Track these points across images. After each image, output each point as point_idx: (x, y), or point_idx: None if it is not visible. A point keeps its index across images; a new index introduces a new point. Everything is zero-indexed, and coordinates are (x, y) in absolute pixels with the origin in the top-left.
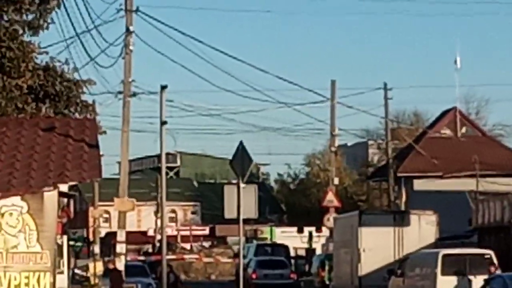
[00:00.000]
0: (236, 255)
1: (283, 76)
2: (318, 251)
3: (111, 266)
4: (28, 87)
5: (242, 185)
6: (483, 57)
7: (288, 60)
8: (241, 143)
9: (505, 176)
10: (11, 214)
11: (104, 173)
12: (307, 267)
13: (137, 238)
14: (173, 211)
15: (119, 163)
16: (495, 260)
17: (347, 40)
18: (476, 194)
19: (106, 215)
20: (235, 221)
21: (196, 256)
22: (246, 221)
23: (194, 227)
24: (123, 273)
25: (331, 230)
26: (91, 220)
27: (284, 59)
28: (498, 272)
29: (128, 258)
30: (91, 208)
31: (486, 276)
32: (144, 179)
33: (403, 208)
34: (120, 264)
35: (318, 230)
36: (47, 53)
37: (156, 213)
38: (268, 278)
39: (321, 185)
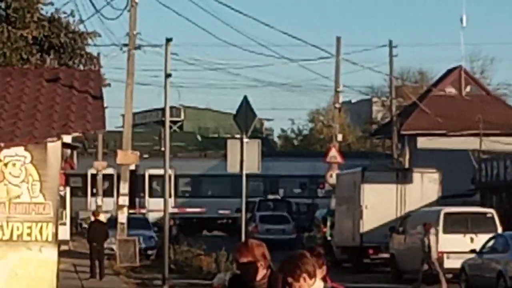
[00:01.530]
0: (239, 210)
1: (289, 31)
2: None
3: (92, 217)
4: (33, 38)
5: (245, 140)
6: (489, 15)
7: (294, 15)
8: (245, 97)
9: (509, 136)
10: (14, 164)
11: (108, 126)
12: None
13: None
14: None
15: (123, 116)
16: (497, 219)
17: None
18: (479, 153)
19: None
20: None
21: (199, 209)
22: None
23: None
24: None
25: (333, 187)
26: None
27: (290, 14)
28: (500, 230)
29: (131, 211)
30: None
31: (488, 235)
32: (148, 132)
33: (406, 165)
34: (122, 217)
35: (321, 186)
36: (52, 4)
37: None
38: (270, 233)
39: (324, 141)
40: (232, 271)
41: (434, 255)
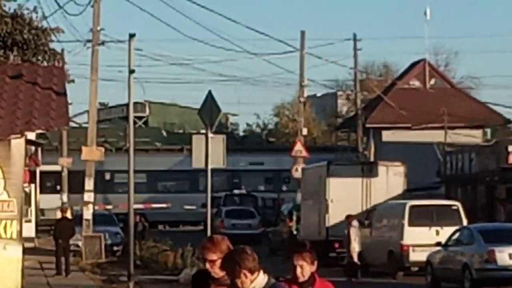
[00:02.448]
0: (204, 205)
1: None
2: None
3: (59, 215)
4: None
5: (210, 135)
6: (453, 8)
7: (257, 10)
8: (209, 92)
9: (473, 128)
10: None
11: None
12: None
13: None
14: None
15: (87, 111)
16: (462, 211)
17: None
18: (444, 146)
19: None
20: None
21: (164, 204)
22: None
23: None
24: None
25: (299, 181)
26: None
27: (254, 9)
28: (465, 223)
29: (96, 208)
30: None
31: (453, 227)
32: (113, 128)
33: (371, 159)
34: (87, 213)
35: (287, 180)
36: (15, 0)
37: None
38: (236, 228)
39: (290, 136)
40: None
41: (355, 247)
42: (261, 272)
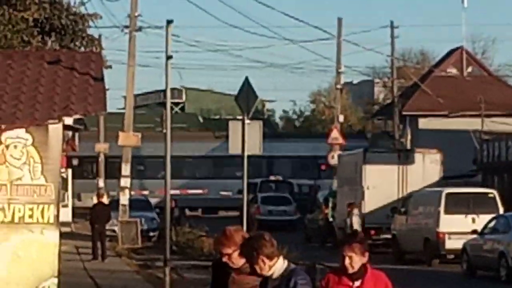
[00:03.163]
0: (240, 191)
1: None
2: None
3: (95, 199)
4: (34, 20)
5: (247, 121)
6: None
7: None
8: (246, 79)
9: (510, 116)
10: (15, 146)
11: (110, 107)
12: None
13: None
14: None
15: (125, 97)
16: (498, 199)
17: None
18: (480, 133)
19: None
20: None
21: (201, 190)
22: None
23: None
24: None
25: (335, 168)
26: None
27: None
28: (501, 211)
29: (132, 193)
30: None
31: (489, 215)
32: (149, 114)
33: (408, 146)
34: (124, 198)
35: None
36: None
37: None
38: (272, 214)
39: (326, 123)
40: None
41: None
42: (281, 257)
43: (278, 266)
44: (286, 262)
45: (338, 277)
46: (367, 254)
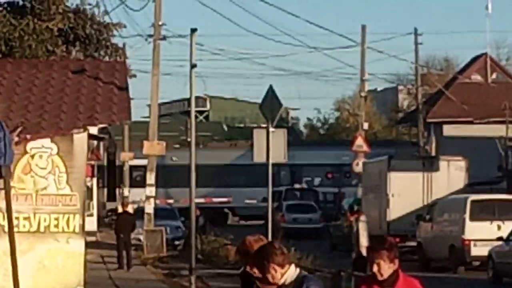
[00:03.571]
0: (265, 199)
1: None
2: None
3: (120, 209)
4: (58, 30)
5: (271, 129)
6: None
7: (318, 4)
8: (270, 87)
9: None
10: (41, 156)
11: (134, 116)
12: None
13: None
14: None
15: (149, 106)
16: None
17: None
18: (505, 140)
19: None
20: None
21: (225, 199)
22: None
23: None
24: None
25: (360, 175)
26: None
27: (315, 3)
28: None
29: (157, 202)
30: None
31: None
32: (174, 123)
33: (432, 153)
34: (149, 207)
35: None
36: None
37: None
38: (297, 222)
39: (350, 130)
40: None
41: (363, 243)
42: (292, 265)
43: (290, 273)
44: (298, 269)
45: (369, 285)
46: (396, 260)
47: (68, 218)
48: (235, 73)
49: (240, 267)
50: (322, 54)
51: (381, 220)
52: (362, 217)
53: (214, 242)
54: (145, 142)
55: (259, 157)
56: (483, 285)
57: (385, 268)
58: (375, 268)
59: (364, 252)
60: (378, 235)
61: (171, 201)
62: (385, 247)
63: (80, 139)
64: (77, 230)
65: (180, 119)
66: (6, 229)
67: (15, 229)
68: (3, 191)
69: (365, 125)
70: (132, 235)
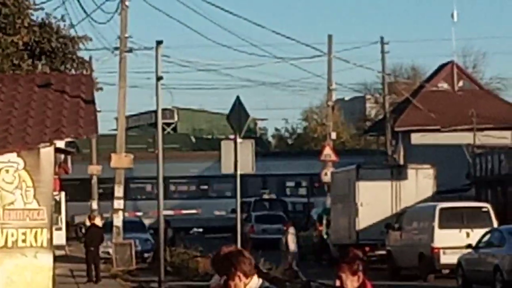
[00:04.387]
0: (234, 210)
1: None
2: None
3: (88, 222)
4: (24, 44)
5: (239, 140)
6: (480, 10)
7: (284, 14)
8: (238, 98)
9: (502, 130)
10: (7, 170)
11: (102, 129)
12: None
13: None
14: None
15: (117, 119)
16: (492, 213)
17: None
18: (473, 147)
19: None
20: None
21: (195, 210)
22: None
23: None
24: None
25: (328, 185)
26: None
27: (281, 13)
28: (496, 225)
29: (126, 214)
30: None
31: (483, 229)
32: (142, 135)
33: (400, 162)
34: (117, 220)
35: (316, 185)
36: (42, 9)
37: None
38: (266, 233)
39: (318, 140)
40: None
41: (292, 253)
42: (255, 276)
43: (252, 284)
44: (260, 280)
45: None
46: (358, 274)
47: (36, 233)
48: (203, 84)
49: (209, 279)
50: (289, 64)
51: (350, 229)
52: (291, 229)
53: (183, 254)
54: (113, 155)
55: (227, 168)
56: None
57: (347, 281)
58: (337, 283)
59: (294, 264)
60: (348, 244)
61: (140, 213)
62: (345, 261)
63: (47, 153)
64: (45, 244)
65: (148, 132)
66: None
67: None
68: None
69: (333, 135)
70: (102, 248)
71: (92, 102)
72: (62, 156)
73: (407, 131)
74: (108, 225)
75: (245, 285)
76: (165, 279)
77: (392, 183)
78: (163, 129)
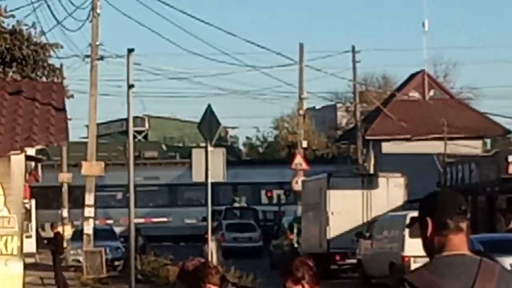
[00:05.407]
0: (205, 219)
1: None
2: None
3: (54, 230)
4: None
5: (210, 148)
6: (451, 19)
7: (256, 23)
8: (209, 106)
9: (473, 139)
10: None
11: (72, 137)
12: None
13: None
14: None
15: (87, 126)
16: None
17: (314, 3)
18: (444, 156)
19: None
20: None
21: (165, 219)
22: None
23: None
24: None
25: (299, 193)
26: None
27: (252, 22)
28: None
29: (97, 222)
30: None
31: None
32: (112, 143)
33: (371, 171)
34: (88, 228)
35: (287, 193)
36: (13, 16)
37: None
38: (237, 241)
39: (289, 148)
40: None
41: (215, 262)
42: (229, 284)
43: None
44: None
45: None
46: (302, 283)
47: (6, 241)
48: (174, 92)
49: None
50: (260, 73)
51: (321, 238)
52: (211, 238)
53: (154, 262)
54: (84, 163)
55: (198, 176)
56: None
57: None
58: None
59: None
60: (319, 252)
61: (110, 221)
62: (288, 269)
63: (17, 160)
64: (15, 252)
65: (119, 139)
66: None
67: None
68: None
69: (304, 143)
70: (72, 257)
71: (63, 109)
72: (33, 163)
73: (378, 140)
74: (78, 233)
75: None
76: (135, 287)
77: (363, 192)
78: (134, 137)
